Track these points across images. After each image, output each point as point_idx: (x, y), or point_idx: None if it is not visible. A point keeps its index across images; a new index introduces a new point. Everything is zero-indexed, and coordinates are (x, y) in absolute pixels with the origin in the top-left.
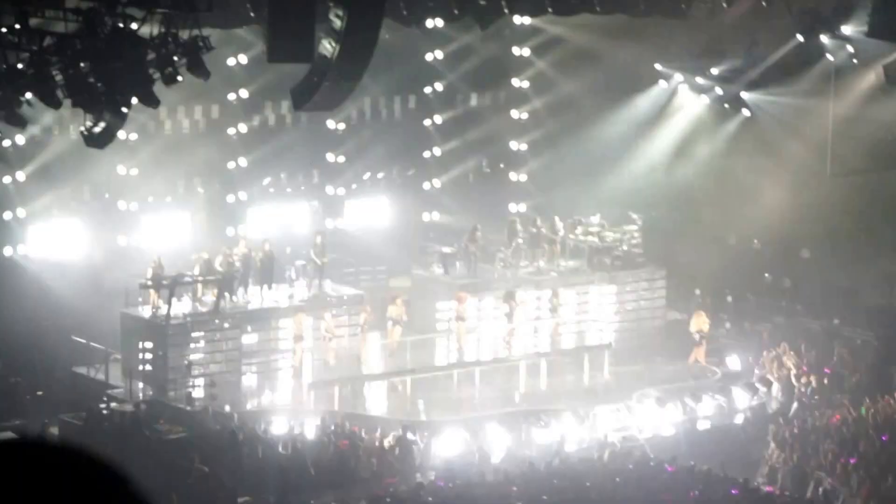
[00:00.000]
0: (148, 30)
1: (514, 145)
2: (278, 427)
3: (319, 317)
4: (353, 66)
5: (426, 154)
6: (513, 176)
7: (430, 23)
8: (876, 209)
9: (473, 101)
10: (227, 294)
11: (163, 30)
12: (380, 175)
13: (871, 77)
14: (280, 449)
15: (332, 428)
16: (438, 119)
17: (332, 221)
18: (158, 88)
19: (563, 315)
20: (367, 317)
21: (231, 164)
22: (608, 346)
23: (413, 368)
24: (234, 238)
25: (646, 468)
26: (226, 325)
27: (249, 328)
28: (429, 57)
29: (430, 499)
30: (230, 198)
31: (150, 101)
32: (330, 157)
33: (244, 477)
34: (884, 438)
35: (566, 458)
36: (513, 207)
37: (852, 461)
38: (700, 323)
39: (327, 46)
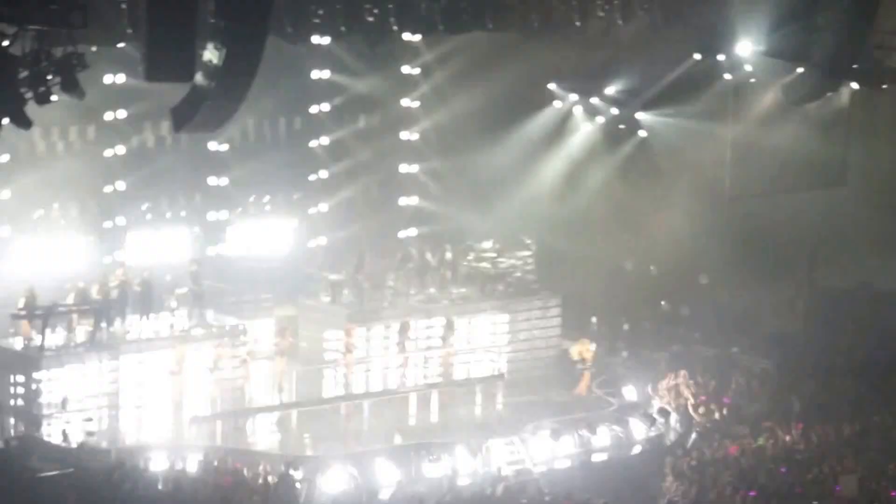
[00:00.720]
0: (20, 47)
1: (403, 168)
2: (158, 463)
3: (201, 348)
4: (235, 86)
5: (312, 177)
6: (402, 200)
7: (315, 40)
8: (775, 232)
9: (361, 122)
10: (103, 324)
11: (35, 47)
12: (265, 199)
13: (770, 97)
14: (160, 486)
15: (215, 464)
16: (325, 140)
17: (213, 248)
18: (31, 108)
19: (454, 344)
20: (250, 349)
21: (108, 188)
22: (501, 376)
23: (299, 401)
24: (111, 265)
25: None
26: (103, 356)
27: (128, 360)
28: (315, 76)
29: None
30: (108, 223)
31: (22, 122)
32: (212, 180)
33: None
34: (783, 470)
35: (458, 494)
36: (402, 233)
37: (752, 494)
38: (582, 350)
39: (208, 66)
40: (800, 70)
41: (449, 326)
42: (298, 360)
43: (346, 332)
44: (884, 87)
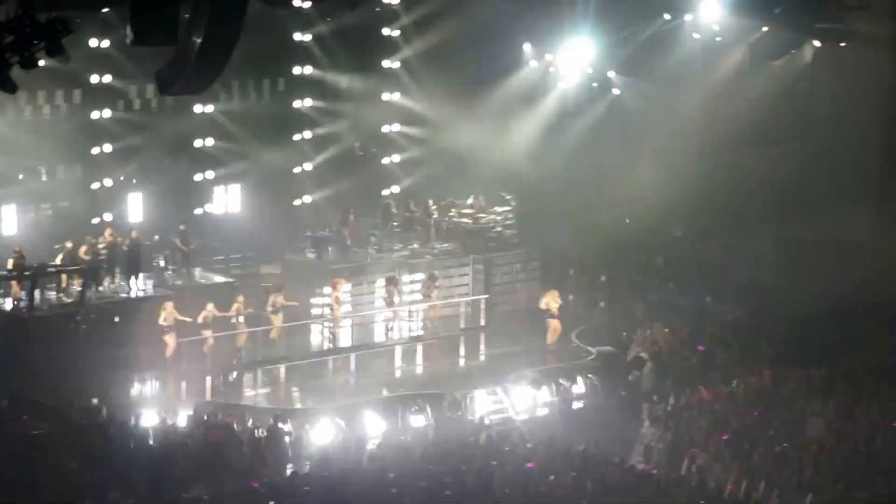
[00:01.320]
0: (3, 12)
1: (385, 129)
2: (149, 419)
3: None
4: (218, 48)
5: (296, 137)
6: (385, 160)
7: (297, 3)
8: (745, 186)
9: (344, 83)
10: (93, 284)
11: (19, 12)
12: (249, 160)
13: (737, 55)
14: (151, 441)
15: (205, 419)
16: (309, 102)
17: (200, 208)
18: (17, 73)
19: (438, 298)
20: (241, 305)
21: (95, 150)
22: (483, 328)
23: (286, 356)
24: (99, 226)
25: (522, 451)
26: (93, 315)
27: (117, 318)
28: (297, 37)
29: (306, 488)
30: (95, 185)
31: (7, 86)
32: (197, 142)
33: (114, 471)
34: (755, 414)
35: (442, 443)
36: (385, 191)
37: (724, 437)
38: (550, 300)
39: (191, 28)
40: (765, 29)
41: (432, 280)
42: (286, 316)
43: (332, 285)
44: (842, 44)
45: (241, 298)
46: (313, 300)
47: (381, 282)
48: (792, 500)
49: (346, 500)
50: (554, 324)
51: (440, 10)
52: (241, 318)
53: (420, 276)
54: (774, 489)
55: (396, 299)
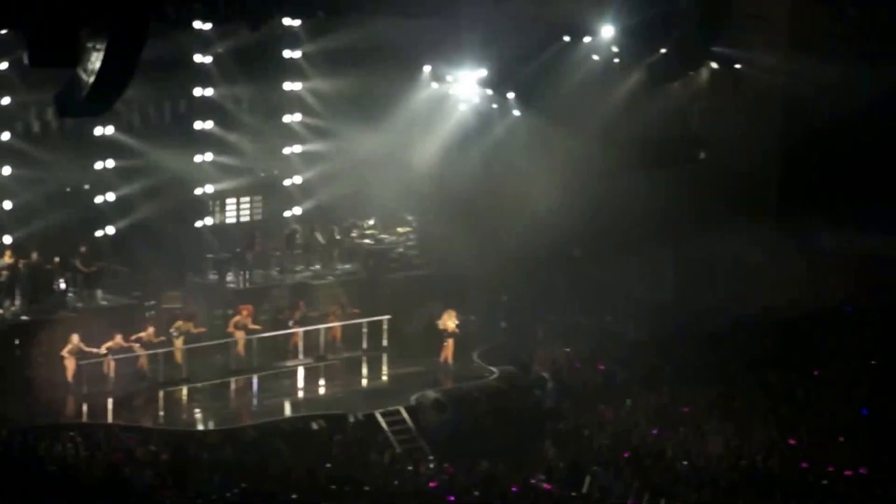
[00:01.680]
0: None
1: (287, 150)
2: (49, 441)
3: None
4: (118, 71)
5: (198, 159)
6: (287, 181)
7: (197, 24)
8: (644, 206)
9: (244, 105)
10: None
11: None
12: (151, 181)
13: (636, 77)
14: (49, 465)
15: (106, 441)
16: (209, 125)
17: (101, 230)
18: None
19: (341, 319)
20: (150, 336)
21: None
22: (385, 349)
23: (188, 377)
24: None
25: (425, 469)
26: None
27: (17, 341)
28: (198, 59)
29: None
30: None
31: None
32: (98, 164)
33: (14, 493)
34: (654, 432)
35: (346, 463)
36: (287, 213)
37: (625, 454)
38: (447, 320)
39: (91, 51)
40: (663, 51)
41: (337, 302)
42: (189, 338)
43: (238, 311)
44: (737, 66)
45: (150, 330)
46: (216, 322)
47: (284, 303)
48: None
49: None
50: (450, 343)
51: (341, 31)
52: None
53: (326, 296)
54: None
55: (298, 320)
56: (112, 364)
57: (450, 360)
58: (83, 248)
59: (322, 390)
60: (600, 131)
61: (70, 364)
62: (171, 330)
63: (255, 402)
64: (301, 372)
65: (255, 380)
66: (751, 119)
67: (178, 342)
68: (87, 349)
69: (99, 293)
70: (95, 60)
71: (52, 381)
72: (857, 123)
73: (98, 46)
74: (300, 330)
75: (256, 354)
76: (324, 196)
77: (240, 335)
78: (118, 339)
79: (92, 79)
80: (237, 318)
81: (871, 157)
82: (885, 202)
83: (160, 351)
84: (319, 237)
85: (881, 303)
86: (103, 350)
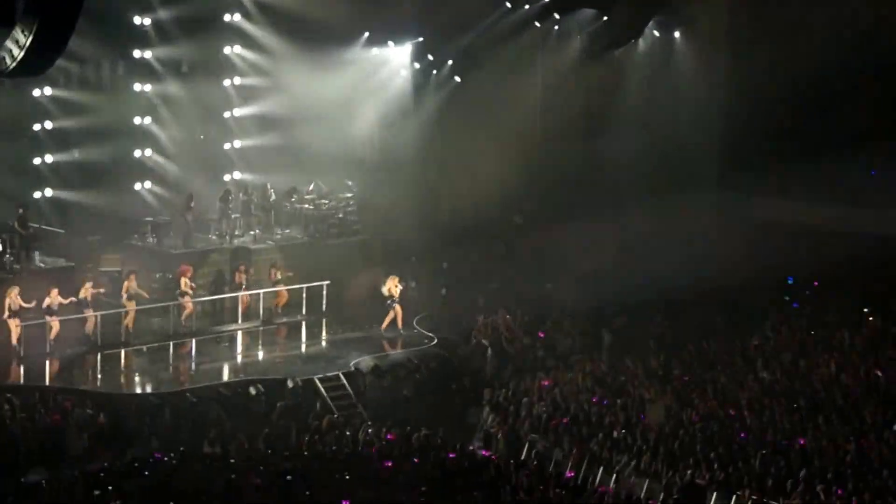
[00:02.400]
0: None
1: (226, 114)
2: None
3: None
4: (56, 31)
5: (137, 121)
6: (227, 145)
7: None
8: (585, 175)
9: (184, 68)
10: None
11: None
12: (89, 144)
13: (576, 46)
14: None
15: (42, 403)
16: (148, 87)
17: (39, 192)
18: None
19: (282, 284)
20: (87, 291)
21: None
22: (325, 314)
23: (126, 340)
24: None
25: (363, 435)
26: None
27: None
28: (137, 20)
29: (146, 473)
30: None
31: None
32: (36, 126)
33: None
34: (593, 399)
35: (283, 428)
36: (227, 177)
37: (564, 421)
38: (391, 286)
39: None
40: (604, 18)
41: (279, 267)
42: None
43: (181, 272)
44: (676, 34)
45: (87, 285)
46: (155, 286)
47: (225, 267)
48: (629, 485)
49: (185, 484)
50: (396, 309)
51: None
52: (88, 302)
53: (266, 262)
54: (612, 474)
55: (244, 284)
56: (56, 325)
57: (400, 325)
58: (21, 210)
59: (261, 355)
60: (541, 99)
61: (13, 326)
62: (123, 293)
63: (193, 366)
64: (240, 337)
65: (193, 343)
66: (692, 88)
67: (131, 304)
68: (26, 304)
69: (36, 255)
70: (33, 19)
71: None
72: (800, 93)
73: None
74: (247, 294)
75: (196, 319)
76: (263, 161)
77: (187, 301)
78: (55, 293)
79: (30, 38)
80: (183, 280)
81: (814, 127)
82: (827, 172)
83: (106, 313)
84: (254, 198)
85: (821, 274)
86: (44, 305)
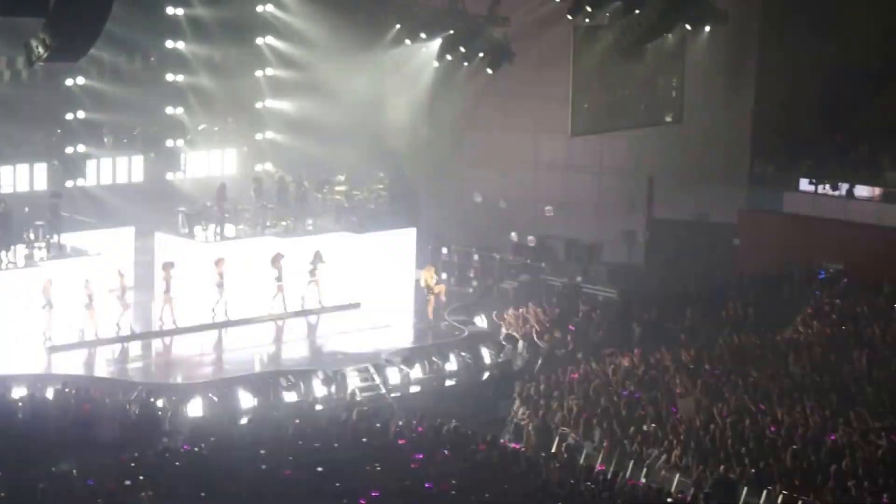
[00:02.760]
0: None
1: (259, 105)
2: (17, 393)
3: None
4: (89, 19)
5: (169, 111)
6: (258, 135)
7: None
8: (616, 167)
9: (217, 59)
10: None
11: None
12: (122, 134)
13: (608, 40)
14: (19, 415)
15: (74, 392)
16: (181, 77)
17: (72, 181)
18: None
19: (320, 274)
20: (122, 281)
21: None
22: (356, 305)
23: (161, 330)
24: None
25: (393, 427)
26: None
27: None
28: (170, 11)
29: (177, 463)
30: None
31: None
32: (69, 115)
33: None
34: (624, 393)
35: (314, 419)
36: (259, 166)
37: (595, 416)
38: (427, 277)
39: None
40: (636, 11)
41: (318, 257)
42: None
43: (216, 262)
44: (707, 29)
45: (123, 273)
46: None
47: (264, 258)
48: (660, 479)
49: (216, 475)
50: (431, 299)
51: None
52: (125, 293)
53: (306, 252)
54: (643, 468)
55: (279, 275)
56: (92, 314)
57: (430, 316)
58: (53, 199)
59: (292, 346)
60: (572, 93)
61: (47, 313)
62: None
63: (225, 355)
64: (272, 326)
65: (225, 333)
66: (724, 82)
67: (168, 296)
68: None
69: (68, 244)
70: (66, 9)
71: (24, 331)
72: (833, 85)
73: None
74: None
75: (228, 308)
76: (295, 151)
77: (221, 290)
78: (90, 284)
79: (63, 29)
80: (217, 269)
81: (847, 120)
82: (860, 165)
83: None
84: (288, 182)
85: (853, 267)
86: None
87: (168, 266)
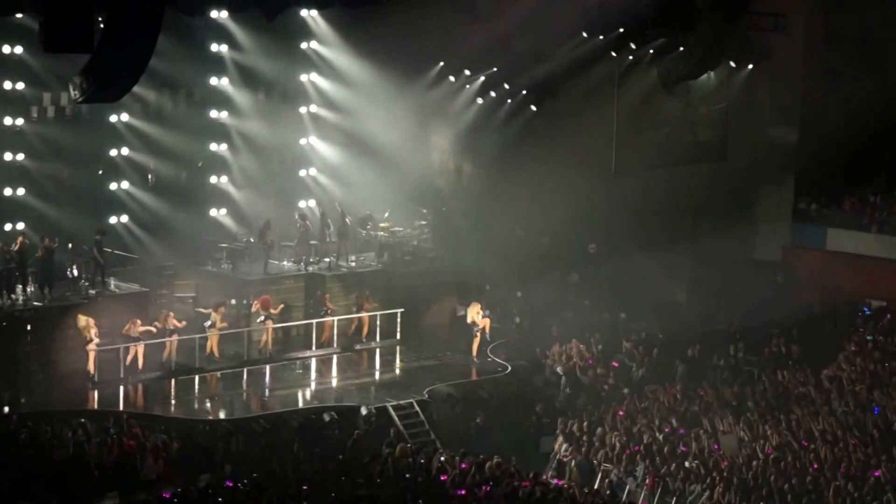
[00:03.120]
0: None
1: (303, 141)
2: (60, 428)
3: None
4: (133, 57)
5: (213, 147)
6: (302, 172)
7: (214, 13)
8: (660, 204)
9: (261, 96)
10: (3, 291)
11: None
12: (166, 170)
13: (653, 75)
14: (61, 450)
15: (117, 428)
16: (224, 114)
17: (115, 217)
18: None
19: (363, 311)
20: (170, 319)
21: (8, 157)
22: (399, 342)
23: (200, 367)
24: (11, 234)
25: (436, 463)
26: (3, 323)
27: (30, 328)
28: (214, 48)
29: (220, 499)
30: (7, 191)
31: None
32: (113, 152)
33: (24, 479)
34: (666, 430)
35: (358, 454)
36: (302, 203)
37: (637, 450)
38: (473, 313)
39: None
40: (680, 49)
41: (360, 295)
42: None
43: (262, 303)
44: (750, 66)
45: (168, 313)
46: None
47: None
48: None
49: None
50: (478, 336)
51: (354, 22)
52: (169, 331)
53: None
54: None
55: (322, 312)
56: (138, 352)
57: (474, 354)
58: (98, 236)
59: (335, 382)
60: (617, 130)
61: (91, 349)
62: (207, 323)
63: (267, 392)
64: (314, 363)
65: (267, 370)
66: (768, 119)
67: (214, 332)
68: (143, 328)
69: (112, 280)
70: (111, 47)
71: (65, 368)
72: (876, 124)
73: (115, 31)
74: (333, 319)
75: (271, 344)
76: (337, 188)
77: (268, 324)
78: (137, 323)
79: (107, 66)
80: (261, 308)
81: (888, 158)
82: None
83: (191, 337)
84: (331, 225)
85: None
86: (124, 332)
87: (220, 306)
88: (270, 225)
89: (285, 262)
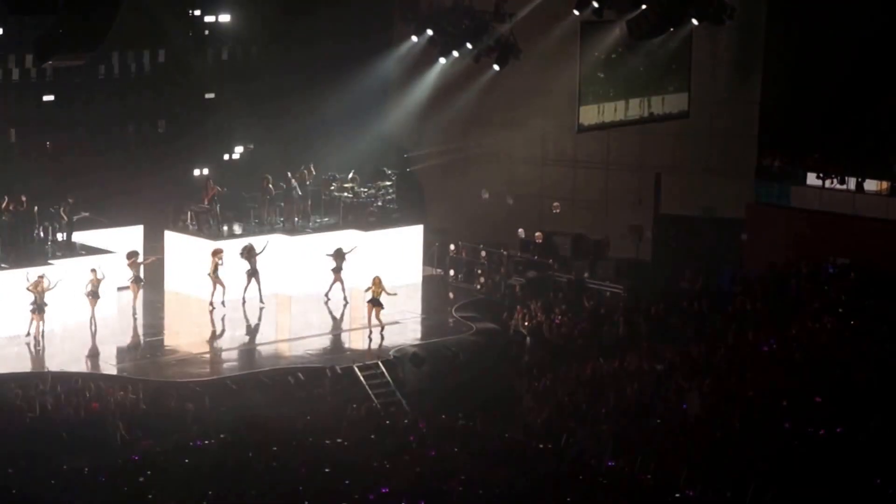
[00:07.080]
0: None
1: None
2: (26, 391)
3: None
4: (98, 17)
5: (180, 109)
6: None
7: None
8: (623, 163)
9: (224, 55)
10: None
11: None
12: (130, 130)
13: (616, 33)
14: (28, 413)
15: (84, 390)
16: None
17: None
18: None
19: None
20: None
21: None
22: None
23: (171, 327)
24: None
25: (402, 424)
26: None
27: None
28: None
29: (187, 459)
30: None
31: None
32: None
33: None
34: (633, 389)
35: (323, 415)
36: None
37: (602, 411)
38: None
39: None
40: (643, 7)
41: (338, 254)
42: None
43: (213, 253)
44: (713, 24)
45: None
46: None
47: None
48: (668, 474)
49: (226, 471)
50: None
51: None
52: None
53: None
54: (651, 464)
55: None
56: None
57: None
58: (71, 199)
59: (301, 343)
60: (579, 87)
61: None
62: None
63: (234, 353)
64: (280, 325)
65: (233, 330)
66: (731, 78)
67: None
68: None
69: (77, 244)
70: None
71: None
72: (841, 78)
73: None
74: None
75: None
76: (302, 148)
77: (218, 281)
78: (94, 277)
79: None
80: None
81: (854, 113)
82: (869, 158)
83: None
84: (294, 182)
85: (861, 260)
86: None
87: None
88: (269, 179)
89: (253, 222)
